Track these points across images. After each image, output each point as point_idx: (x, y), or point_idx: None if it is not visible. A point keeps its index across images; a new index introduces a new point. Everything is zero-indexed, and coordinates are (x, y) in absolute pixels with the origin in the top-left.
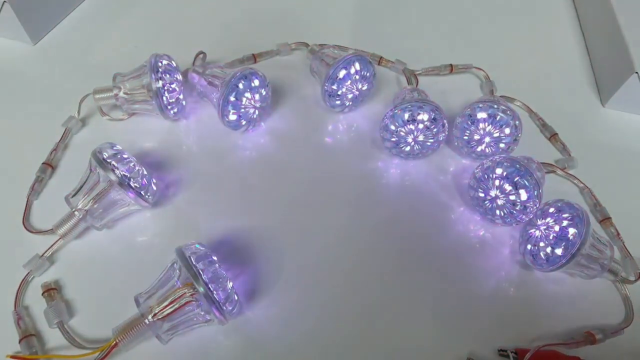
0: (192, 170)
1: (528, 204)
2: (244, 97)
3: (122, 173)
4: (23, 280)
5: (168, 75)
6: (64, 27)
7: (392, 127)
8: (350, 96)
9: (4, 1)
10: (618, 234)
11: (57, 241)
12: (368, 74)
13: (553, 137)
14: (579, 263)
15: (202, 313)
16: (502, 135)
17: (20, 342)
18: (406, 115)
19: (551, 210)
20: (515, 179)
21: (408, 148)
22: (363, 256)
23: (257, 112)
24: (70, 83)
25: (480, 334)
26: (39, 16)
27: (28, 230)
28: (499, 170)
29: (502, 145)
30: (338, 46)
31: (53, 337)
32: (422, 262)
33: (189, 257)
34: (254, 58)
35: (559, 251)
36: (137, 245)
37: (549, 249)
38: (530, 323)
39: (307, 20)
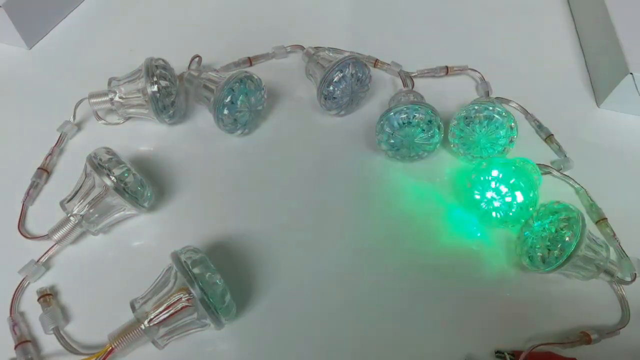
0: (188, 175)
1: (524, 206)
2: (240, 100)
3: (117, 178)
4: (18, 286)
5: (163, 79)
6: (59, 32)
7: (388, 130)
8: (345, 99)
9: None
10: (614, 234)
11: (52, 247)
12: (364, 77)
13: (549, 138)
14: (575, 264)
15: (198, 318)
16: (498, 136)
17: (15, 348)
18: (402, 118)
19: (547, 211)
20: (511, 181)
21: (404, 150)
22: (360, 259)
23: (252, 115)
24: (65, 87)
25: (477, 335)
26: (34, 20)
27: (23, 235)
28: (495, 172)
29: (498, 146)
30: (333, 49)
31: (49, 343)
32: (419, 264)
33: (185, 262)
34: (250, 61)
35: (555, 253)
36: (133, 250)
37: (545, 251)
38: (527, 324)
39: (303, 23)
